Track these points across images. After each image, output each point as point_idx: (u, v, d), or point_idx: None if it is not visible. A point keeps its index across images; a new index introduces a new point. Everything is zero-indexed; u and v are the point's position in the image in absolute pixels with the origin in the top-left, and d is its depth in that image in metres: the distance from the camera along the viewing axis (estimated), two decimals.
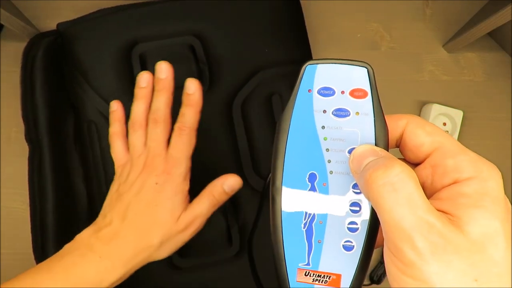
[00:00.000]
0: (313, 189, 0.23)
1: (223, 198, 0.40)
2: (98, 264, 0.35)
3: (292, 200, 0.23)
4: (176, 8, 0.54)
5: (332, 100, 0.23)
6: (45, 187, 0.50)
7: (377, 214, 0.20)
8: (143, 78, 0.40)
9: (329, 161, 0.23)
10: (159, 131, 0.39)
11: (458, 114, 0.59)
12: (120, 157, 0.41)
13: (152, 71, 0.52)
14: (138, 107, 0.40)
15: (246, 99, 0.54)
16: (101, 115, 0.52)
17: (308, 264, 0.23)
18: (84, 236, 0.37)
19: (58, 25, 0.54)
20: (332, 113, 0.23)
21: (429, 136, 0.22)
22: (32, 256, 0.50)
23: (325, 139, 0.23)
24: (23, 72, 0.53)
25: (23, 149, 0.52)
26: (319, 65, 0.23)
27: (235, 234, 0.51)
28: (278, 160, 0.24)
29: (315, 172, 0.23)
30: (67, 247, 0.37)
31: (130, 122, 0.40)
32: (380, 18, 0.64)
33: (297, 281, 0.23)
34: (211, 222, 0.50)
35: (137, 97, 0.40)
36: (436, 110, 0.59)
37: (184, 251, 0.50)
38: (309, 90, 0.23)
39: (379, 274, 0.57)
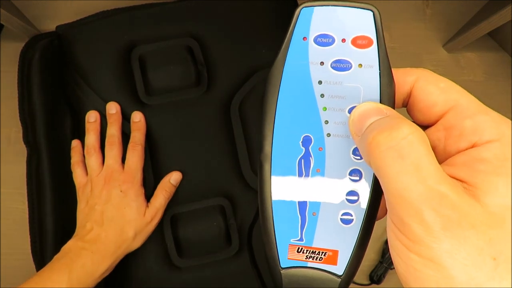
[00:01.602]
0: (307, 154, 0.20)
1: (172, 190, 0.49)
2: (92, 257, 0.43)
3: (283, 167, 0.20)
4: (174, 10, 0.54)
5: (331, 49, 0.20)
6: (43, 189, 0.50)
7: (380, 183, 0.17)
8: (92, 115, 0.50)
9: (326, 122, 0.20)
10: (115, 151, 0.48)
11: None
12: (80, 180, 0.49)
13: (152, 74, 0.52)
14: (91, 137, 0.49)
15: (243, 100, 0.54)
16: (101, 116, 0.52)
17: (301, 239, 0.20)
18: (71, 244, 0.44)
19: (57, 27, 0.54)
20: (331, 66, 0.20)
21: (443, 93, 0.18)
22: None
23: (322, 96, 0.20)
24: (20, 75, 0.53)
25: (23, 149, 0.52)
26: (316, 8, 0.20)
27: (234, 234, 0.51)
28: (267, 122, 0.20)
29: (310, 135, 0.20)
30: (57, 256, 0.43)
31: (85, 150, 0.49)
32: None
33: (288, 259, 0.20)
34: (210, 222, 0.51)
35: (88, 130, 0.50)
36: None
37: (184, 251, 0.50)
38: (304, 38, 0.20)
39: (379, 274, 0.57)
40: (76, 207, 0.52)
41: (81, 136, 0.53)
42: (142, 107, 0.53)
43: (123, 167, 0.48)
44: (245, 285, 0.50)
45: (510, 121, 0.17)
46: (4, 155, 0.58)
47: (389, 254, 0.56)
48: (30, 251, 0.50)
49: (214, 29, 0.54)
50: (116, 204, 0.46)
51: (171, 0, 0.55)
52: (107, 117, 0.50)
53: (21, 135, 0.52)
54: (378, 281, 0.57)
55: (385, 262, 0.57)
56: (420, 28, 0.64)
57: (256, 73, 0.54)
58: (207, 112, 0.53)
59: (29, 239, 0.50)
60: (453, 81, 0.20)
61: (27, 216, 0.51)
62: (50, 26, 0.59)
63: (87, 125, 0.50)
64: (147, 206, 0.48)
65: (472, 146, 0.17)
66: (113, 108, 0.50)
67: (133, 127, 0.50)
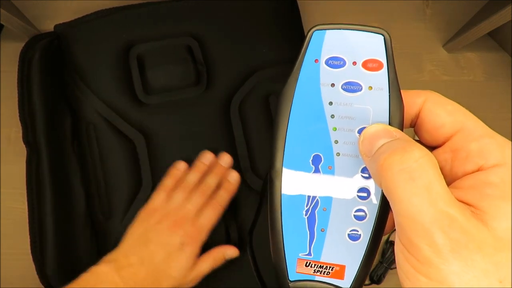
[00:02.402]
0: (317, 172, 0.21)
1: (221, 263, 0.47)
2: None
3: (293, 184, 0.21)
4: (173, 9, 0.54)
5: (342, 72, 0.20)
6: (43, 189, 0.50)
7: (391, 204, 0.18)
8: (207, 157, 0.49)
9: (336, 142, 0.20)
10: (200, 201, 0.46)
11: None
12: (156, 204, 0.47)
13: (151, 73, 0.52)
14: (196, 176, 0.48)
15: (243, 99, 0.54)
16: (100, 116, 0.52)
17: (309, 254, 0.21)
18: (105, 270, 0.42)
19: (55, 26, 0.54)
20: (342, 87, 0.20)
21: (451, 116, 0.19)
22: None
23: (332, 116, 0.20)
24: (20, 75, 0.53)
25: (23, 149, 0.52)
26: (328, 31, 0.20)
27: (234, 235, 0.51)
28: (279, 139, 0.21)
29: (320, 154, 0.21)
30: (86, 276, 0.41)
31: (185, 182, 0.47)
32: (380, 18, 0.64)
33: (296, 272, 0.21)
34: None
35: (197, 169, 0.48)
36: None
37: None
38: (316, 60, 0.21)
39: (379, 274, 0.57)
40: (76, 206, 0.52)
41: (80, 138, 0.53)
42: (140, 107, 0.53)
43: (196, 219, 0.46)
44: (246, 285, 0.51)
45: None
46: (4, 155, 0.58)
47: (389, 254, 0.57)
48: (30, 251, 0.50)
49: (214, 29, 0.54)
50: (168, 252, 0.43)
51: (170, 0, 0.55)
52: (215, 166, 0.49)
53: (21, 135, 0.52)
54: (378, 281, 0.57)
55: (385, 262, 0.57)
56: (420, 28, 0.64)
57: (256, 73, 0.54)
58: (206, 111, 0.53)
59: (29, 239, 0.50)
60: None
61: (27, 216, 0.51)
62: (50, 26, 0.58)
63: (197, 163, 0.49)
64: (193, 267, 0.45)
65: (478, 169, 0.18)
66: (225, 161, 0.49)
67: (225, 185, 0.48)
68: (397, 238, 0.18)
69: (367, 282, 0.58)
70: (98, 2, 0.57)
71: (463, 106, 0.19)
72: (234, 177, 0.49)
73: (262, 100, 0.54)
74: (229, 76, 0.54)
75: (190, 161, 0.52)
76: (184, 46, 0.54)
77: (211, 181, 0.48)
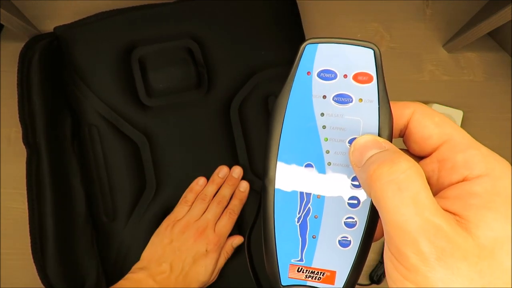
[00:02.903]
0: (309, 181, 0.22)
1: (231, 251, 0.52)
2: None
3: (285, 192, 0.22)
4: (174, 11, 0.54)
5: (333, 84, 0.21)
6: (43, 190, 0.50)
7: (380, 213, 0.18)
8: (223, 171, 0.53)
9: (327, 152, 0.21)
10: (218, 210, 0.51)
11: (458, 114, 0.59)
12: (178, 215, 0.51)
13: (152, 75, 0.52)
14: (213, 188, 0.52)
15: (243, 101, 0.54)
16: (102, 118, 0.52)
17: (301, 260, 0.22)
18: (142, 277, 0.46)
19: (55, 28, 0.53)
20: (333, 99, 0.21)
21: (438, 127, 0.20)
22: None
23: (324, 127, 0.21)
24: (20, 76, 0.53)
25: (23, 149, 0.52)
26: (320, 45, 0.21)
27: (235, 231, 0.52)
28: (272, 148, 0.22)
29: (311, 163, 0.21)
30: (125, 283, 0.45)
31: (204, 195, 0.52)
32: (380, 18, 0.64)
33: (289, 277, 0.22)
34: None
35: (213, 182, 0.52)
36: (436, 110, 0.59)
37: None
38: (308, 73, 0.21)
39: (379, 274, 0.57)
40: (76, 206, 0.52)
41: (82, 139, 0.53)
42: (143, 109, 0.53)
43: (215, 227, 0.50)
44: (246, 284, 0.51)
45: (498, 156, 0.18)
46: (4, 155, 0.58)
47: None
48: (30, 251, 0.50)
49: (214, 30, 0.54)
50: (196, 259, 0.48)
51: (170, 1, 0.55)
52: (228, 178, 0.52)
53: (21, 135, 0.52)
54: (378, 281, 0.57)
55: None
56: (420, 28, 0.64)
57: (256, 74, 0.54)
58: (207, 113, 0.53)
59: (29, 239, 0.50)
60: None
61: (27, 216, 0.51)
62: (50, 26, 0.58)
63: (214, 177, 0.52)
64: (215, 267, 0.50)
65: (464, 179, 0.18)
66: (237, 173, 0.53)
67: (237, 195, 0.53)
68: (386, 247, 0.18)
69: (367, 282, 0.59)
70: (98, 3, 0.57)
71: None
72: (244, 186, 0.53)
73: (262, 101, 0.54)
74: (230, 78, 0.54)
75: (191, 162, 0.52)
76: (185, 48, 0.54)
77: (226, 192, 0.52)
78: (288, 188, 0.22)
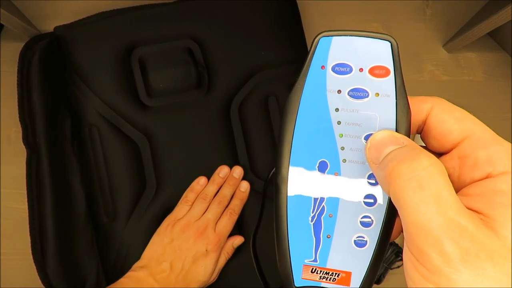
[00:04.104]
0: (323, 179, 0.21)
1: (232, 252, 0.52)
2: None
3: (299, 190, 0.21)
4: (174, 11, 0.54)
5: (349, 78, 0.20)
6: (43, 190, 0.50)
7: (399, 212, 0.17)
8: (224, 171, 0.52)
9: (342, 148, 0.20)
10: (219, 210, 0.51)
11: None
12: (178, 215, 0.50)
13: (153, 75, 0.52)
14: (213, 188, 0.52)
15: (243, 101, 0.54)
16: (102, 118, 0.52)
17: (315, 260, 0.21)
18: (142, 275, 0.46)
19: (55, 28, 0.53)
20: (348, 94, 0.20)
21: (459, 123, 0.19)
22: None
23: (338, 123, 0.20)
24: (20, 76, 0.53)
25: (23, 149, 0.52)
26: (334, 38, 0.20)
27: (235, 231, 0.52)
28: (285, 146, 0.21)
29: (326, 160, 0.20)
30: (125, 281, 0.46)
31: (204, 194, 0.51)
32: (380, 18, 0.64)
33: (302, 278, 0.21)
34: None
35: (214, 182, 0.52)
36: None
37: None
38: (322, 67, 0.20)
39: (379, 274, 0.57)
40: (75, 206, 0.52)
41: (82, 140, 0.53)
42: (143, 109, 0.53)
43: (216, 227, 0.50)
44: (247, 284, 0.51)
45: None
46: (4, 155, 0.58)
47: (389, 254, 0.57)
48: (30, 251, 0.50)
49: (214, 30, 0.54)
50: (196, 259, 0.48)
51: (170, 1, 0.55)
52: (228, 178, 0.52)
53: (21, 135, 0.52)
54: (378, 281, 0.57)
55: (385, 262, 0.57)
56: (420, 28, 0.64)
57: (256, 74, 0.54)
58: (207, 113, 0.53)
59: (29, 239, 0.50)
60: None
61: (27, 216, 0.51)
62: (50, 26, 0.58)
63: (215, 177, 0.52)
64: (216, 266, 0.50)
65: (487, 177, 0.18)
66: (237, 173, 0.53)
67: (238, 195, 0.52)
68: (405, 247, 0.18)
69: None
70: (98, 3, 0.57)
71: (463, 106, 0.19)
72: (245, 186, 0.53)
73: (262, 101, 0.54)
74: (230, 78, 0.54)
75: (191, 162, 0.52)
76: (185, 48, 0.54)
77: (227, 192, 0.52)
78: (301, 187, 0.21)
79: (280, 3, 0.56)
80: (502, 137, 0.19)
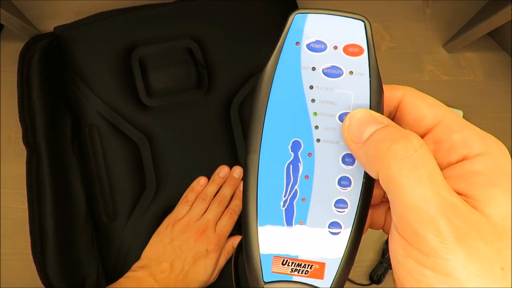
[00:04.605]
0: (296, 160, 0.20)
1: (232, 252, 0.52)
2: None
3: (270, 172, 0.19)
4: (174, 11, 0.54)
5: (323, 56, 0.20)
6: (43, 190, 0.50)
7: (391, 194, 0.17)
8: (224, 171, 0.52)
9: (316, 127, 0.20)
10: (219, 210, 0.51)
11: (458, 114, 0.59)
12: (178, 215, 0.50)
13: (153, 75, 0.52)
14: (213, 188, 0.52)
15: (243, 101, 0.54)
16: (102, 118, 0.52)
17: (286, 250, 0.20)
18: (142, 275, 0.46)
19: (55, 28, 0.53)
20: (323, 71, 0.20)
21: (431, 108, 0.19)
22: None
23: (313, 101, 0.20)
24: (20, 76, 0.53)
25: (23, 149, 0.52)
26: (309, 15, 0.20)
27: (234, 231, 0.52)
28: (256, 123, 0.20)
29: (299, 140, 0.20)
30: (125, 281, 0.45)
31: (204, 194, 0.51)
32: (380, 18, 0.64)
33: (272, 272, 0.19)
34: None
35: (214, 182, 0.52)
36: None
37: None
38: (297, 43, 0.20)
39: (379, 274, 0.57)
40: (76, 206, 0.52)
41: (82, 140, 0.53)
42: (143, 109, 0.53)
43: (216, 227, 0.50)
44: (247, 284, 0.51)
45: (492, 135, 0.18)
46: (4, 155, 0.58)
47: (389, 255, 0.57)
48: (30, 251, 0.50)
49: (214, 30, 0.54)
50: (197, 259, 0.48)
51: (170, 1, 0.55)
52: (229, 178, 0.52)
53: (21, 135, 0.52)
54: (378, 281, 0.57)
55: (385, 262, 0.57)
56: (420, 28, 0.64)
57: (256, 74, 0.54)
58: (207, 113, 0.53)
59: (29, 239, 0.50)
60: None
61: (27, 216, 0.51)
62: (50, 26, 0.58)
63: (215, 177, 0.52)
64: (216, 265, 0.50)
65: (463, 159, 0.18)
66: (237, 173, 0.53)
67: (238, 195, 0.53)
68: (395, 235, 0.17)
69: (367, 282, 0.58)
70: (98, 3, 0.57)
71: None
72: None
73: None
74: (230, 78, 0.54)
75: (191, 162, 0.52)
76: (185, 48, 0.54)
77: (227, 192, 0.52)
78: (273, 168, 0.20)
79: (281, 3, 0.56)
80: (502, 137, 0.19)
